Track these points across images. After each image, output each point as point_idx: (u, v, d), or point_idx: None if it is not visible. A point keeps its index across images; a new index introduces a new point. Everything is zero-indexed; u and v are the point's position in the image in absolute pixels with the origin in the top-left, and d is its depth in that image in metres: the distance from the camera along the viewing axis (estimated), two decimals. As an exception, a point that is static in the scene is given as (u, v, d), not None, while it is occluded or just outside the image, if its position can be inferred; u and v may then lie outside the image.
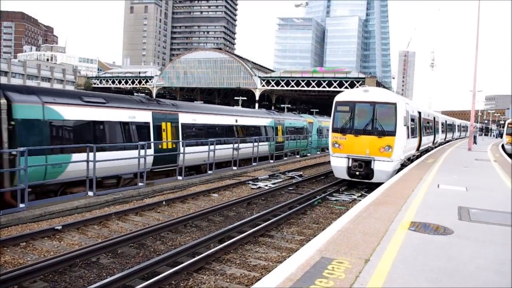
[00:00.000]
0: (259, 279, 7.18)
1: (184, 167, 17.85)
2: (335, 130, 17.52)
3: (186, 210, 12.92)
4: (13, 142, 11.87)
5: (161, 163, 17.30)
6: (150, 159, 16.31)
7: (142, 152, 15.16)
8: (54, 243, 9.26)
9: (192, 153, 18.46)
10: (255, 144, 24.19)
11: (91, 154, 13.02)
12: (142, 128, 16.80)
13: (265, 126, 28.21)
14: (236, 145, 21.73)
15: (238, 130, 24.73)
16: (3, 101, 11.76)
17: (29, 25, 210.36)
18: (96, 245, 8.55)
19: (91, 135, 14.35)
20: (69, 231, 10.11)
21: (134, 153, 15.13)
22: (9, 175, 11.67)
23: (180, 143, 18.35)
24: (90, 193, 13.20)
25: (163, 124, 18.03)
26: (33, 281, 7.10)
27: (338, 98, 18.08)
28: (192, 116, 20.55)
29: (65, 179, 13.28)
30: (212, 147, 19.48)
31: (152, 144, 16.87)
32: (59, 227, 9.97)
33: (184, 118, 19.65)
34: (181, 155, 17.75)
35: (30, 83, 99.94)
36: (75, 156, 13.23)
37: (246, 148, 23.52)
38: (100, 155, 13.71)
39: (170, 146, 18.17)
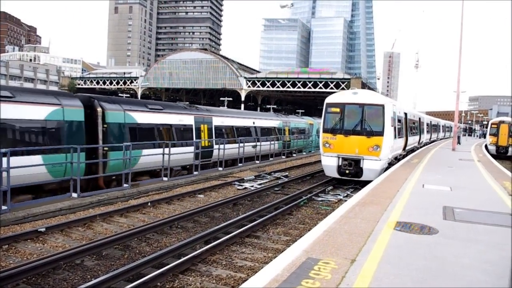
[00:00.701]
0: (245, 280, 7.15)
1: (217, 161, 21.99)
2: (325, 130, 18.14)
3: (171, 211, 12.84)
4: (105, 140, 15.65)
5: (201, 158, 20.23)
6: (191, 155, 19.88)
7: (178, 149, 18.58)
8: (38, 246, 9.13)
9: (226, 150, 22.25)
10: (272, 142, 29.15)
11: (151, 150, 17.24)
12: (187, 129, 20.79)
13: (275, 127, 32.22)
14: (222, 146, 21.84)
15: (256, 130, 28.73)
16: (100, 109, 15.62)
17: (11, 25, 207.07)
18: (81, 247, 8.44)
19: (154, 135, 18.31)
20: (53, 233, 9.97)
21: (183, 149, 19.16)
22: (102, 164, 15.28)
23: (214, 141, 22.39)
24: (74, 195, 13.04)
25: (202, 126, 21.86)
26: (15, 284, 6.99)
27: (328, 100, 18.66)
28: (221, 119, 24.36)
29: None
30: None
31: (194, 143, 20.54)
32: (43, 229, 9.82)
33: (216, 121, 23.53)
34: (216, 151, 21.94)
35: (13, 83, 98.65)
36: (144, 151, 16.92)
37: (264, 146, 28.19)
38: (157, 151, 17.34)
39: (207, 144, 22.09)
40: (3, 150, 10.79)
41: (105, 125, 15.75)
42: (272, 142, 29.10)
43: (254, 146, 26.04)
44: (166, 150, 17.22)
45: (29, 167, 12.05)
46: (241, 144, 23.91)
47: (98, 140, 15.41)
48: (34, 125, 13.33)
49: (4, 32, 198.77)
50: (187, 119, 20.73)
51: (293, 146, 34.40)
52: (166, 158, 17.18)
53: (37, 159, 12.79)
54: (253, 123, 28.59)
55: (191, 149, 19.80)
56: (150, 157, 17.00)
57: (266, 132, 30.11)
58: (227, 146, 22.31)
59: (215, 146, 22.06)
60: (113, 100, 17.12)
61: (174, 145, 18.34)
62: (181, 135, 20.09)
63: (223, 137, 23.54)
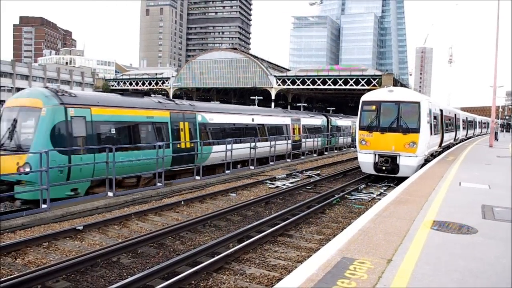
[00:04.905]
0: (279, 279, 7.14)
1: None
2: (362, 128, 18.43)
3: (204, 210, 12.94)
4: (331, 131, 38.31)
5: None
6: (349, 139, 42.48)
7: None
8: (76, 243, 9.36)
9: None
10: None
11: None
12: (348, 127, 43.52)
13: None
14: (253, 144, 22.05)
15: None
16: (329, 119, 38.64)
17: (48, 30, 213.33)
18: (117, 245, 8.61)
19: (337, 131, 40.35)
20: (90, 231, 10.21)
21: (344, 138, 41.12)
22: (329, 141, 37.24)
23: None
24: (110, 194, 13.32)
25: (352, 126, 44.43)
26: (56, 280, 7.18)
27: (364, 98, 18.91)
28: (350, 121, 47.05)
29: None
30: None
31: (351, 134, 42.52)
32: (80, 227, 10.07)
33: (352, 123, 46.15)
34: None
35: (50, 86, 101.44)
36: (340, 138, 39.88)
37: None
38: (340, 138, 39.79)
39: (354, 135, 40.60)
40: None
41: (331, 126, 37.79)
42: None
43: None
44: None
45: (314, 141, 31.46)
46: (272, 143, 24.39)
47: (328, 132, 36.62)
48: (317, 127, 34.11)
49: (42, 37, 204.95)
50: (348, 122, 43.92)
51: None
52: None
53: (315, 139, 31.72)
54: (353, 122, 46.02)
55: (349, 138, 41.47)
56: (340, 140, 38.58)
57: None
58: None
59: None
60: (332, 115, 41.14)
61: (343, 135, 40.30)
62: (345, 130, 41.60)
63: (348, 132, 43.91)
